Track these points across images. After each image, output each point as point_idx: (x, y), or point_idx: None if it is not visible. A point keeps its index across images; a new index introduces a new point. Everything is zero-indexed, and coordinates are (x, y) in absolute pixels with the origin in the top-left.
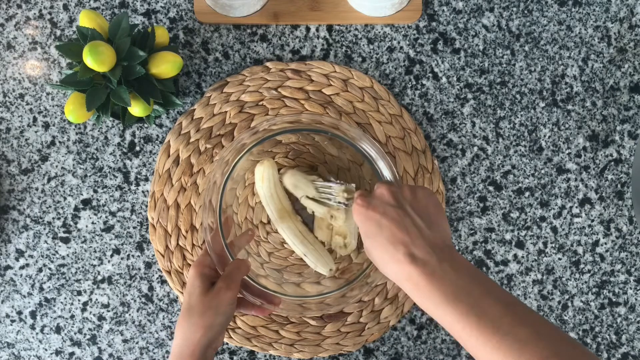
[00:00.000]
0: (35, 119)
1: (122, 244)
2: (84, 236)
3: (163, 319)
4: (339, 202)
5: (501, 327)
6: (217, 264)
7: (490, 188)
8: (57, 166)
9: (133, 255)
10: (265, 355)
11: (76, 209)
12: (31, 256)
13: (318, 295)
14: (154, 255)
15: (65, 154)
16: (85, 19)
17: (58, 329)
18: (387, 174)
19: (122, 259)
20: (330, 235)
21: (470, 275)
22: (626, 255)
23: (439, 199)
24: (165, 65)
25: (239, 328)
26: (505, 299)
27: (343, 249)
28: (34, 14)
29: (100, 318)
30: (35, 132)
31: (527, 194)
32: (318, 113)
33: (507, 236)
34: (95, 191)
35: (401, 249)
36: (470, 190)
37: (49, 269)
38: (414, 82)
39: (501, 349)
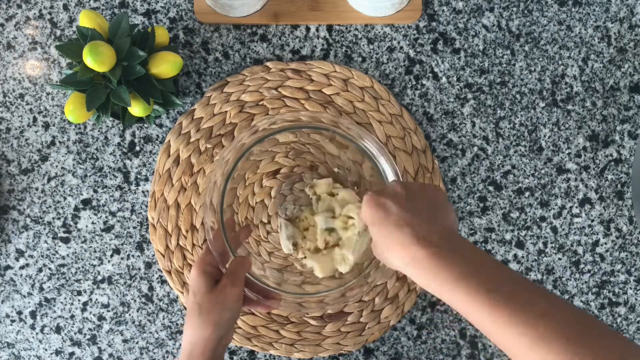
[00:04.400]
0: (35, 119)
1: (122, 244)
2: (84, 236)
3: (163, 319)
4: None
5: (514, 302)
6: (219, 261)
7: (490, 188)
8: (57, 166)
9: (133, 255)
10: (265, 355)
11: (76, 209)
12: (31, 256)
13: (317, 293)
14: (154, 255)
15: (65, 154)
16: (85, 19)
17: (58, 329)
18: (387, 169)
19: (122, 259)
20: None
21: (478, 256)
22: (626, 255)
23: (446, 195)
24: (165, 65)
25: (239, 328)
26: (516, 277)
27: (342, 264)
28: (34, 14)
29: (100, 318)
30: (35, 132)
31: (527, 194)
32: (317, 111)
33: (507, 236)
34: (95, 191)
35: (407, 230)
36: (470, 190)
37: (49, 269)
38: (414, 82)
39: (513, 323)
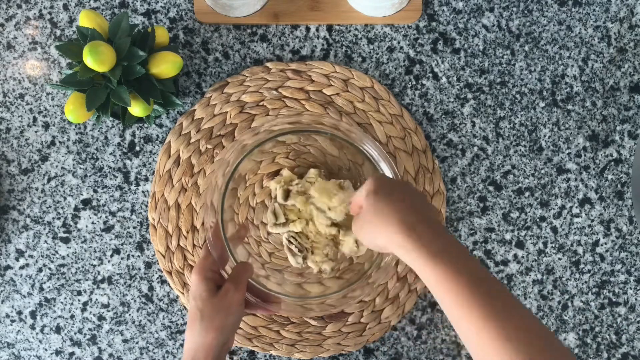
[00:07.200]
0: (35, 119)
1: (122, 244)
2: (84, 236)
3: (163, 319)
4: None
5: (489, 289)
6: (218, 262)
7: (490, 188)
8: (57, 166)
9: (133, 255)
10: (265, 356)
11: (76, 209)
12: (31, 256)
13: (319, 297)
14: (154, 255)
15: (65, 154)
16: (85, 19)
17: (58, 329)
18: (387, 172)
19: (122, 259)
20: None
21: (457, 245)
22: (626, 255)
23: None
24: (165, 65)
25: (240, 328)
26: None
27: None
28: (34, 14)
29: (100, 318)
30: (35, 132)
31: (527, 194)
32: (318, 113)
33: (507, 236)
34: (95, 191)
35: (397, 215)
36: (470, 190)
37: (49, 269)
38: (414, 82)
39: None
